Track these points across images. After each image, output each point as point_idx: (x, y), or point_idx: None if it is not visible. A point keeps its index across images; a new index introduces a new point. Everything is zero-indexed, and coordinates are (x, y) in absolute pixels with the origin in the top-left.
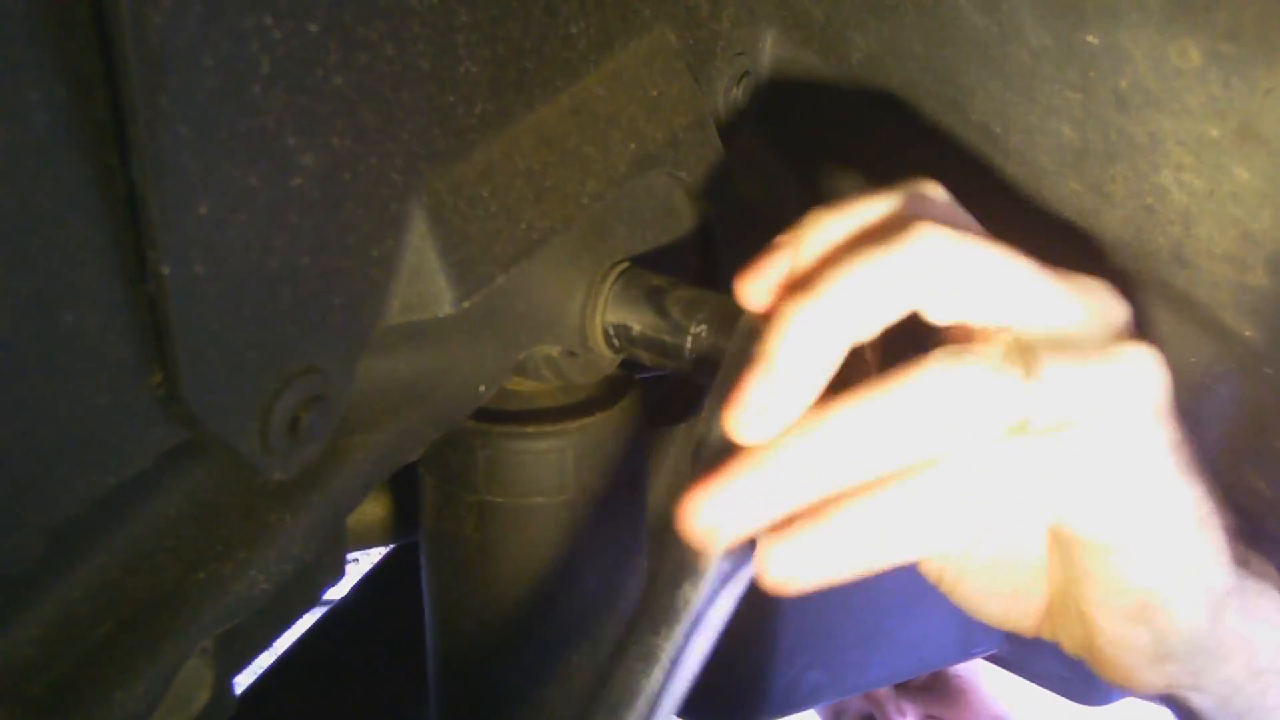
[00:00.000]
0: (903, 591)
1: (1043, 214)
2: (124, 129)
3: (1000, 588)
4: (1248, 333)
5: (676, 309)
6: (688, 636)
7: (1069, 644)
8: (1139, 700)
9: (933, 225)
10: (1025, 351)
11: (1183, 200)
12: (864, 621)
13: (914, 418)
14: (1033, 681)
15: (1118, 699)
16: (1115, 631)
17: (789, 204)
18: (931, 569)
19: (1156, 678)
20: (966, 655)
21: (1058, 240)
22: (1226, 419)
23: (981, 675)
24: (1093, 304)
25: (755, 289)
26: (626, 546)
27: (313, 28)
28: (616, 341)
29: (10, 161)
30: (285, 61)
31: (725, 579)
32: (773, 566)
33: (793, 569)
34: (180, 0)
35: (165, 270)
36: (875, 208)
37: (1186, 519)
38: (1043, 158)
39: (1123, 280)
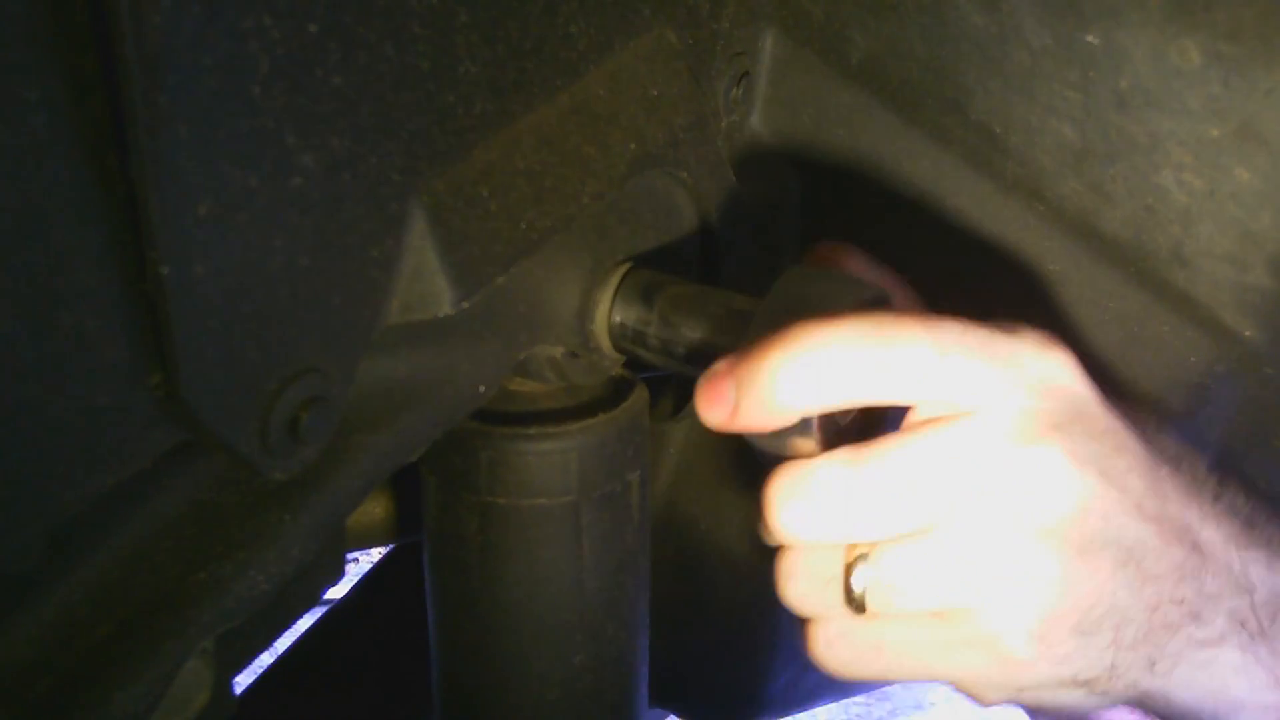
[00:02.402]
0: None
1: (1043, 215)
2: (124, 129)
3: None
4: (1248, 332)
5: (683, 310)
6: None
7: None
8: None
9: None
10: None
11: (1183, 200)
12: None
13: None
14: None
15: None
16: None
17: (789, 204)
18: None
19: None
20: None
21: (1057, 242)
22: (1226, 419)
23: None
24: (1011, 376)
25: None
26: (630, 548)
27: (312, 28)
28: (622, 343)
29: (10, 161)
30: (285, 61)
31: None
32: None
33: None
34: (180, 0)
35: (165, 270)
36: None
37: (1046, 690)
38: (1043, 157)
39: (1122, 280)
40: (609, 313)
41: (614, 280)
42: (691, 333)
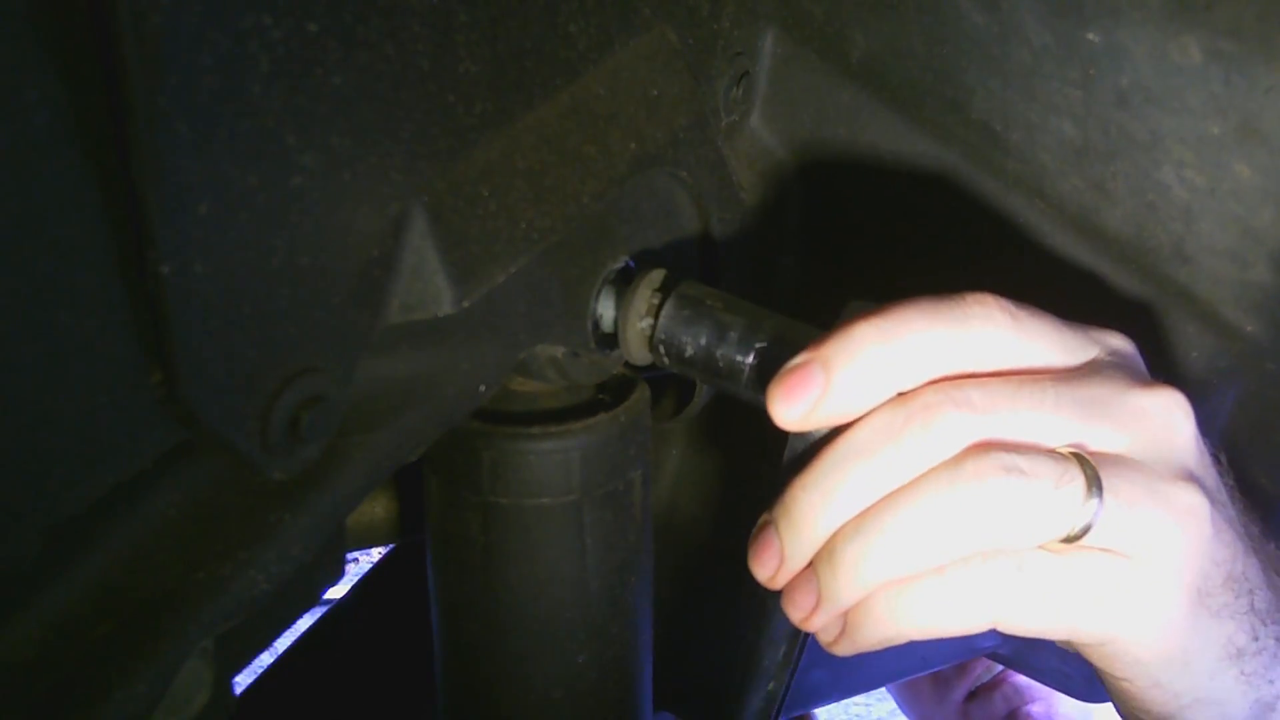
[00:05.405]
0: None
1: (1044, 212)
2: (124, 129)
3: None
4: (1249, 328)
5: (735, 332)
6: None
7: None
8: None
9: (964, 407)
10: (1089, 467)
11: (1184, 197)
12: None
13: (966, 523)
14: (1033, 678)
15: None
16: None
17: (789, 204)
18: None
19: None
20: (968, 654)
21: (1058, 240)
22: (1228, 415)
23: None
24: (1154, 432)
25: (790, 415)
26: (633, 547)
27: (312, 27)
28: (667, 358)
29: (10, 161)
30: (285, 61)
31: None
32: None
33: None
34: (180, 0)
35: (165, 270)
36: (911, 348)
37: (1207, 659)
38: (1044, 155)
39: (1124, 277)
40: (660, 326)
41: (657, 288)
42: (747, 360)
